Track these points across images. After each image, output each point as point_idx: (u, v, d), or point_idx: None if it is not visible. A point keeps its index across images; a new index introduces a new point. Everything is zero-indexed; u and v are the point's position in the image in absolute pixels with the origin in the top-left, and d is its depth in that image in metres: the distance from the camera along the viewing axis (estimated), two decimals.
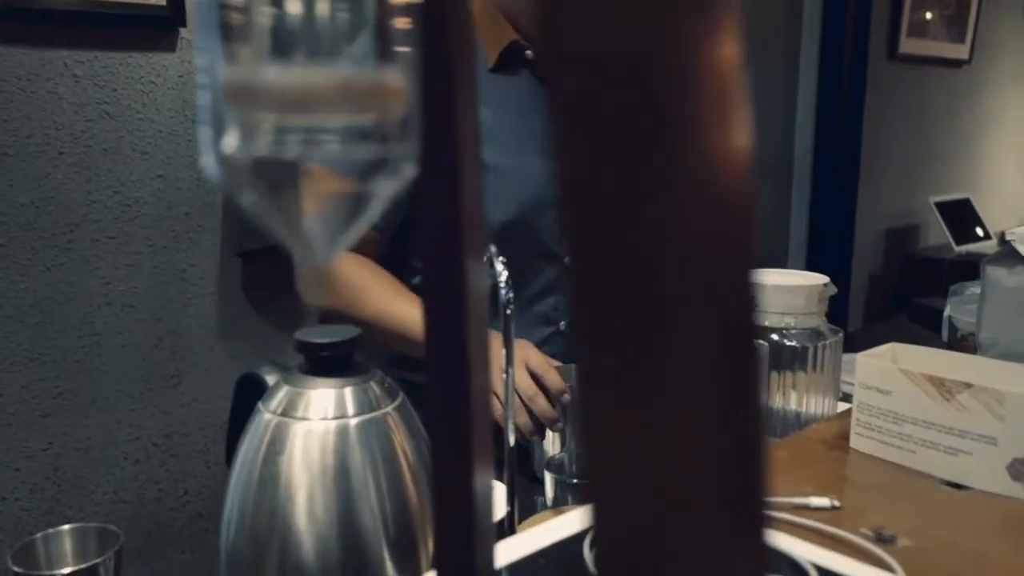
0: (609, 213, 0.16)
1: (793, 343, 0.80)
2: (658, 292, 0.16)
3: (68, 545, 0.71)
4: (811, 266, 2.78)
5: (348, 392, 0.65)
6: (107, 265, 1.50)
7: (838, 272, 2.77)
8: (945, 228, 2.91)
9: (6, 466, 1.45)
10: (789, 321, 0.81)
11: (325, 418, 0.64)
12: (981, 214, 3.09)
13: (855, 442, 0.74)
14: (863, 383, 0.73)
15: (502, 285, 0.69)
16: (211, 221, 1.60)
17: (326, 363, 0.66)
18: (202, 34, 0.23)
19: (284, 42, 0.26)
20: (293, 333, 0.67)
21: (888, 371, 0.70)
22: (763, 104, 2.68)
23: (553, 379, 0.98)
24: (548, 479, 0.76)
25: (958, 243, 2.89)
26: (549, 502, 0.77)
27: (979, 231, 3.05)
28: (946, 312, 1.37)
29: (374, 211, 0.26)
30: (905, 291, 2.94)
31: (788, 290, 0.81)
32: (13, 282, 1.42)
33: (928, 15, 3.05)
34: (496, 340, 1.01)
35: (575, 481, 0.91)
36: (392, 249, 1.14)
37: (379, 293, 1.07)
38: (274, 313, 1.71)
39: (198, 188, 1.57)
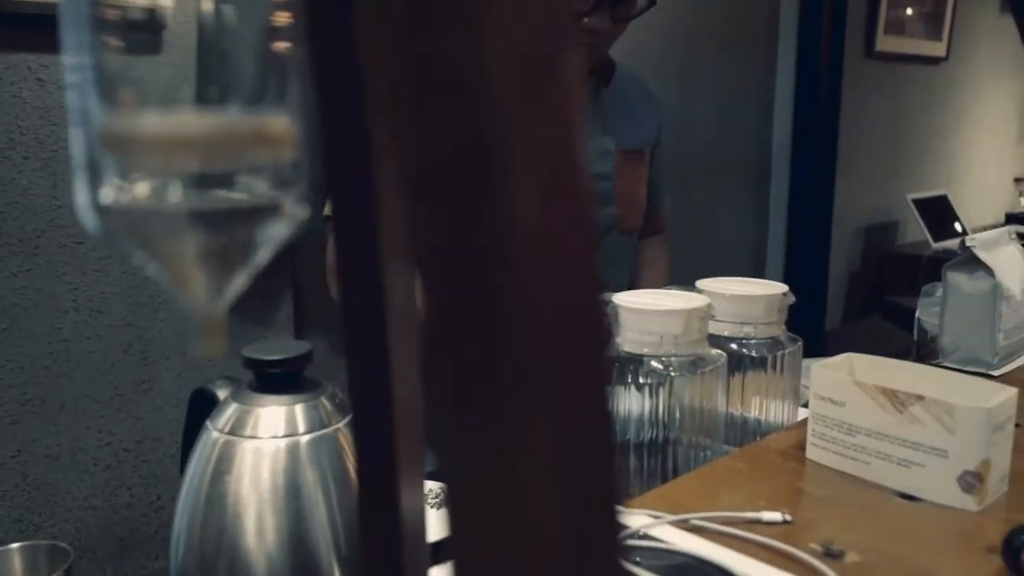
0: (451, 278, 0.16)
1: (752, 352, 0.80)
2: (502, 357, 0.16)
3: (17, 563, 0.70)
4: (789, 263, 2.79)
5: (299, 409, 0.64)
6: (74, 270, 1.49)
7: (816, 269, 2.78)
8: (923, 225, 2.92)
9: None
10: (748, 330, 0.81)
11: (275, 436, 0.63)
12: (958, 211, 3.10)
13: (811, 453, 0.74)
14: (818, 394, 0.72)
15: None
16: None
17: (276, 380, 0.65)
18: (73, 30, 0.22)
19: (166, 86, 0.25)
20: (249, 344, 0.66)
21: (842, 382, 0.70)
22: (740, 101, 2.68)
23: None
24: None
25: (936, 240, 2.90)
26: None
27: (957, 227, 3.07)
28: (917, 313, 1.37)
29: (264, 257, 0.26)
30: (883, 288, 2.96)
31: (746, 299, 0.81)
32: None
33: (907, 12, 3.06)
34: None
35: None
36: None
37: None
38: (247, 316, 1.70)
39: None
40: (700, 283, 0.84)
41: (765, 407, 0.83)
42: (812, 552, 0.58)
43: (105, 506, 1.58)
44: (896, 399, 0.67)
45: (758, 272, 2.82)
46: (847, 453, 0.71)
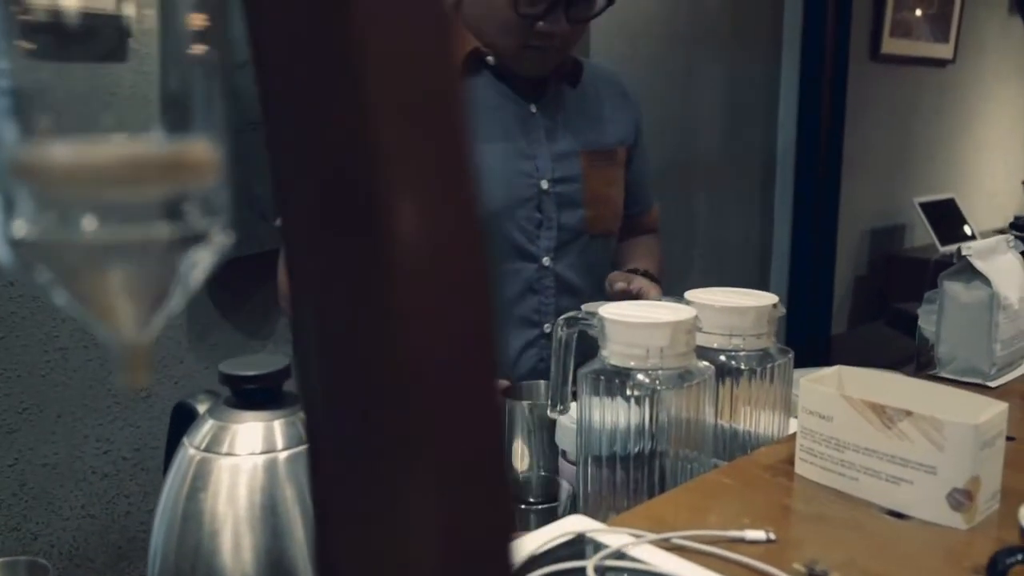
0: (328, 327, 0.15)
1: (741, 365, 0.79)
2: (381, 414, 0.15)
3: None
4: (794, 268, 2.77)
5: (277, 425, 0.64)
6: None
7: (821, 274, 2.76)
8: (930, 228, 2.90)
9: None
10: (737, 342, 0.79)
11: (252, 453, 0.62)
12: (966, 214, 3.08)
13: (800, 468, 0.73)
14: (806, 408, 0.71)
15: None
16: None
17: (254, 396, 0.65)
18: None
19: (81, 113, 0.24)
20: (242, 353, 0.65)
21: (830, 397, 0.69)
22: (744, 104, 2.66)
23: None
24: None
25: (943, 243, 2.88)
26: None
27: (966, 230, 3.04)
28: (919, 321, 1.36)
29: (187, 288, 0.25)
30: (889, 293, 2.93)
31: (735, 311, 0.79)
32: None
33: (913, 13, 3.03)
34: None
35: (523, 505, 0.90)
36: None
37: None
38: (244, 322, 1.69)
39: None
40: (689, 294, 0.83)
41: (755, 420, 0.82)
42: (795, 572, 0.57)
43: (103, 515, 1.58)
44: (884, 415, 0.65)
45: (763, 276, 2.81)
46: (835, 469, 0.69)
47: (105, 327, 0.25)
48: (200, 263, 0.25)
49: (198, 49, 0.24)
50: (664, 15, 2.31)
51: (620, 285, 1.12)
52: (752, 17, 2.64)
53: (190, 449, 0.63)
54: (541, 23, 1.09)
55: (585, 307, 0.87)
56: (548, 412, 0.92)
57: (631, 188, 1.30)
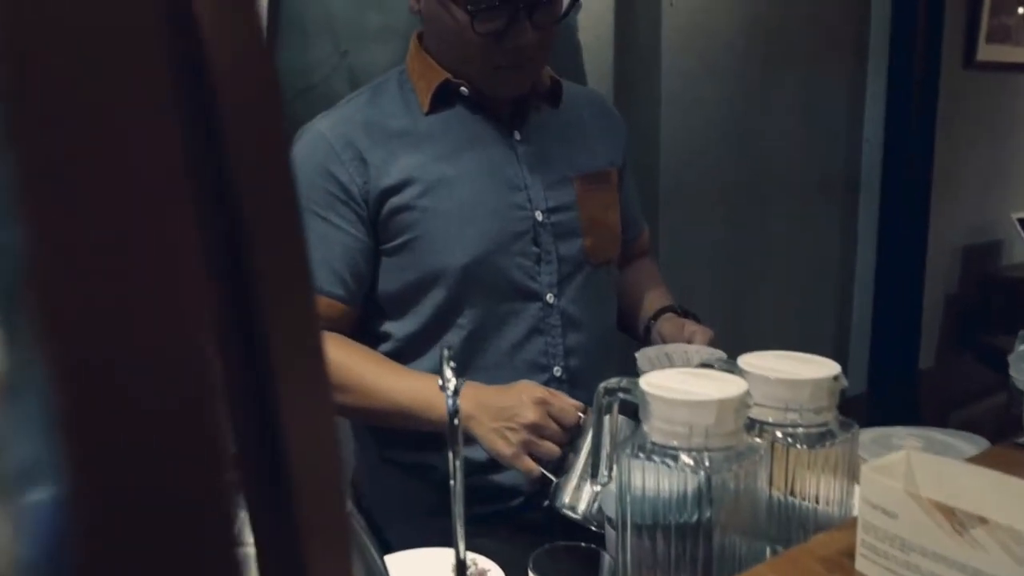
0: None
1: (798, 444, 0.72)
2: None
3: None
4: (880, 290, 2.62)
5: None
6: None
7: (909, 295, 2.62)
8: None
9: None
10: (793, 417, 0.73)
11: None
12: None
13: (860, 565, 0.66)
14: (868, 500, 0.64)
15: (448, 393, 0.63)
16: None
17: None
18: None
19: None
20: None
21: (894, 493, 0.62)
22: (826, 117, 2.54)
23: (562, 404, 0.94)
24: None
25: None
26: None
27: None
28: (1010, 369, 1.25)
29: None
30: (985, 315, 2.77)
31: (791, 383, 0.73)
32: None
33: (1011, 18, 2.85)
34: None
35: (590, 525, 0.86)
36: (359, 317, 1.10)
37: (365, 373, 1.03)
38: None
39: None
40: (742, 359, 0.77)
41: (814, 497, 0.75)
42: None
43: None
44: (955, 519, 0.58)
45: (844, 305, 2.67)
46: (900, 571, 0.62)
47: None
48: None
49: None
50: (738, 26, 2.21)
51: (680, 347, 1.07)
52: (835, 24, 2.52)
53: None
54: (504, 40, 1.01)
55: (638, 373, 0.82)
56: (590, 485, 0.87)
57: (623, 212, 1.23)
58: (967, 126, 2.78)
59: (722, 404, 0.66)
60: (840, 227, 2.64)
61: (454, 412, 0.61)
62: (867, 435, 0.96)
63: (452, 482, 0.67)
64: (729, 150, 2.24)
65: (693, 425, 0.67)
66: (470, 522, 1.10)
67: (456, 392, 0.62)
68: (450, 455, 0.65)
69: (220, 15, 0.16)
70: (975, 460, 0.84)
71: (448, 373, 0.63)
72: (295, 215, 0.20)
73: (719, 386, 0.69)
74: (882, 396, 2.27)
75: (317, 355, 0.21)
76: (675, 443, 0.67)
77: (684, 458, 0.67)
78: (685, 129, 2.10)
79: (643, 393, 0.69)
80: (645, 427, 0.70)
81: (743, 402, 0.68)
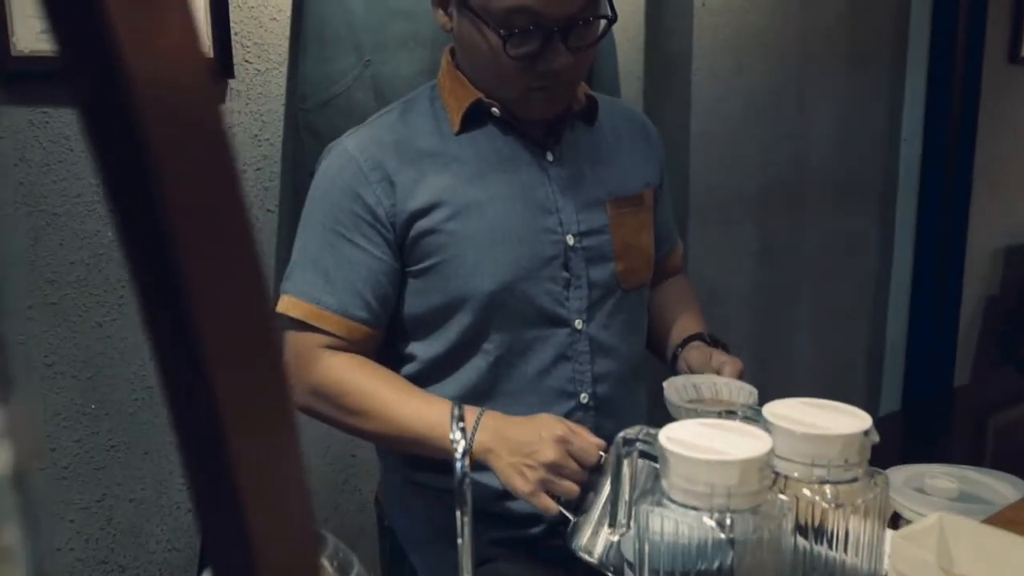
0: None
1: (825, 502, 0.69)
2: None
3: None
4: (917, 292, 2.55)
5: None
6: None
7: (947, 300, 2.55)
8: None
9: (60, 518, 1.47)
10: (821, 474, 0.70)
11: None
12: None
13: None
14: (898, 571, 0.61)
15: (457, 456, 0.61)
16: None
17: None
18: None
19: None
20: None
21: (925, 567, 0.59)
22: (864, 118, 2.47)
23: (583, 444, 0.91)
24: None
25: None
26: None
27: None
28: None
29: None
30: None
31: (819, 439, 0.69)
32: (64, 339, 1.44)
33: None
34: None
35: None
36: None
37: (386, 401, 1.01)
38: None
39: None
40: (767, 410, 0.73)
41: (842, 550, 0.72)
42: None
43: (187, 549, 1.60)
44: None
45: (878, 314, 2.60)
46: None
47: None
48: None
49: None
50: (775, 25, 2.16)
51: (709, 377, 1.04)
52: (874, 20, 2.44)
53: None
54: (539, 62, 0.97)
55: (665, 402, 0.79)
56: (607, 531, 0.85)
57: (657, 229, 1.19)
58: (1011, 124, 2.70)
59: (745, 464, 0.63)
60: (877, 232, 2.58)
61: (462, 478, 0.59)
62: (898, 475, 0.93)
63: (459, 540, 0.65)
64: (761, 153, 2.18)
65: (715, 485, 0.64)
66: (490, 546, 1.09)
67: (465, 454, 0.60)
68: (458, 514, 0.63)
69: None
70: (1015, 509, 0.81)
71: (457, 435, 0.61)
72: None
73: (742, 443, 0.66)
74: (917, 412, 2.22)
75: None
76: (695, 503, 0.65)
77: (705, 519, 0.64)
78: (716, 132, 2.06)
79: (663, 449, 0.67)
80: (664, 483, 0.67)
81: (767, 461, 0.65)
